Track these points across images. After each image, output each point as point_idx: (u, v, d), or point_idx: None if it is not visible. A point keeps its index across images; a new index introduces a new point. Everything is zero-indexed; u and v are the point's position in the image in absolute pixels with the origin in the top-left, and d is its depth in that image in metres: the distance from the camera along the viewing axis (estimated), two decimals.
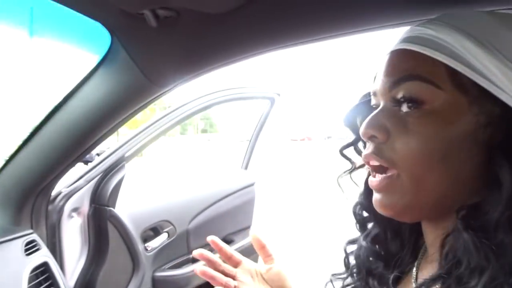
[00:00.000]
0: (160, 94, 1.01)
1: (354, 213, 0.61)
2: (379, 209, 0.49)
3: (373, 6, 0.70)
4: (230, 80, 2.22)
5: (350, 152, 0.61)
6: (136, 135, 1.69)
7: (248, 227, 2.27)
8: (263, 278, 0.71)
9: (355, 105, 0.58)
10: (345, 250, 0.63)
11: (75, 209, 1.52)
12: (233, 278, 0.68)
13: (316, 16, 0.74)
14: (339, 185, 0.61)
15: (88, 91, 1.01)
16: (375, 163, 0.47)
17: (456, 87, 0.43)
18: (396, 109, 0.46)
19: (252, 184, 2.32)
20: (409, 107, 0.45)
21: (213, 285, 0.67)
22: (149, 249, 1.74)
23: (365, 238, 0.60)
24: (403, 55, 0.46)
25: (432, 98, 0.43)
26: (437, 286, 0.43)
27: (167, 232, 1.82)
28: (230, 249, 0.73)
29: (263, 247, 0.73)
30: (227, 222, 2.14)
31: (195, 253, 0.69)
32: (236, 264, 0.72)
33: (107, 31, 0.85)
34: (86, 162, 1.55)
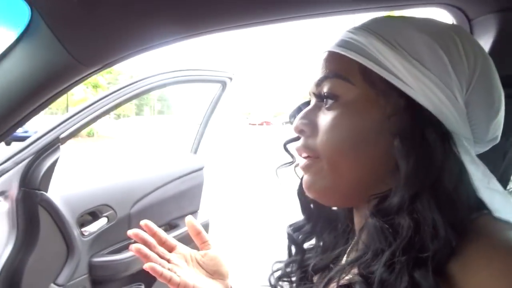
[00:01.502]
0: (89, 74, 0.94)
1: (299, 194, 0.64)
2: (306, 190, 0.54)
3: None
4: (185, 61, 2.16)
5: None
6: (74, 115, 1.59)
7: (194, 212, 2.26)
8: (198, 264, 0.71)
9: (300, 104, 0.63)
10: (288, 234, 0.66)
11: (2, 193, 1.42)
12: (168, 261, 0.67)
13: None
14: (277, 175, 0.65)
15: (6, 69, 0.92)
16: (304, 154, 0.53)
17: (366, 82, 0.48)
18: (322, 105, 0.52)
19: (200, 169, 2.30)
20: (329, 102, 0.50)
21: (146, 264, 0.63)
22: (86, 234, 1.68)
23: (290, 225, 0.66)
24: (329, 57, 0.52)
25: (346, 93, 0.49)
26: (352, 272, 0.46)
27: (106, 216, 1.75)
28: (165, 234, 0.72)
29: (198, 233, 0.73)
30: (173, 207, 2.10)
31: (130, 232, 0.67)
32: (170, 249, 0.71)
33: (25, 2, 0.78)
34: (8, 143, 1.45)
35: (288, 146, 0.63)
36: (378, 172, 0.48)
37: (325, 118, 0.50)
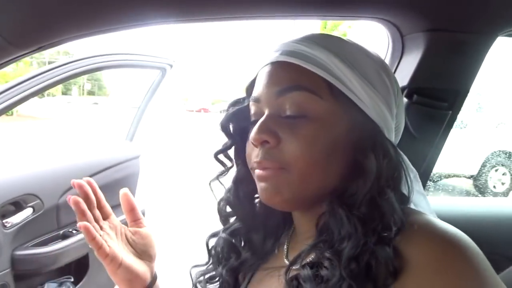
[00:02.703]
0: (19, 56, 0.87)
1: (219, 210, 0.66)
2: (265, 199, 0.54)
3: None
4: (121, 43, 2.06)
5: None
6: None
7: None
8: (128, 241, 0.69)
9: (231, 112, 0.63)
10: (207, 244, 0.68)
11: None
12: (100, 228, 0.65)
13: None
14: (211, 189, 0.64)
15: None
16: (267, 165, 0.52)
17: (333, 97, 0.51)
18: (282, 116, 0.53)
19: (136, 157, 2.22)
20: (295, 114, 0.51)
21: (81, 223, 0.61)
22: (8, 225, 1.55)
23: (224, 231, 0.66)
24: (286, 67, 0.53)
25: (316, 107, 0.51)
26: (312, 256, 0.51)
27: (32, 206, 1.63)
28: (104, 199, 0.69)
29: (132, 209, 0.71)
30: (106, 197, 1.99)
31: (75, 181, 0.65)
32: (105, 217, 0.69)
33: None
34: None
35: (219, 156, 0.64)
36: (341, 177, 0.52)
37: (294, 131, 0.51)
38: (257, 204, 0.65)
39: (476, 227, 1.15)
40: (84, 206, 0.63)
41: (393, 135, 0.57)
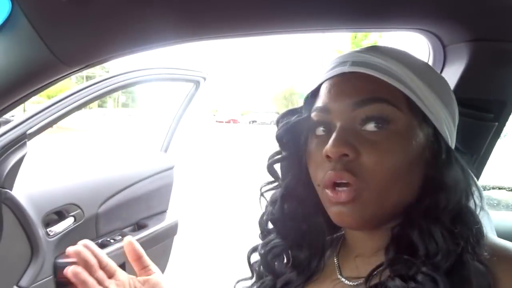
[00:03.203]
0: (69, 73, 0.92)
1: (261, 223, 0.64)
2: (342, 222, 0.52)
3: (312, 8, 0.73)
4: (155, 58, 2.13)
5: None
6: (43, 109, 1.53)
7: (163, 212, 2.23)
8: None
9: (291, 123, 0.59)
10: (248, 259, 0.65)
11: None
12: None
13: (243, 11, 0.74)
14: (264, 196, 0.63)
15: None
16: (344, 180, 0.49)
17: (410, 111, 0.51)
18: (358, 128, 0.51)
19: (171, 168, 2.27)
20: (376, 126, 0.50)
21: None
22: (51, 234, 1.62)
23: (262, 247, 0.64)
24: (362, 78, 0.52)
25: (397, 120, 0.50)
26: (387, 271, 0.49)
27: (73, 216, 1.70)
28: (106, 257, 0.64)
29: (139, 257, 0.66)
30: (141, 207, 2.07)
31: (70, 250, 0.60)
32: (110, 275, 0.64)
33: None
34: None
35: (273, 167, 0.62)
36: (415, 191, 0.52)
37: (373, 144, 0.49)
38: (301, 222, 0.62)
39: None
40: (84, 276, 0.58)
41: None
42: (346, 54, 0.56)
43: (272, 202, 0.62)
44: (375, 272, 0.50)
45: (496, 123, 0.88)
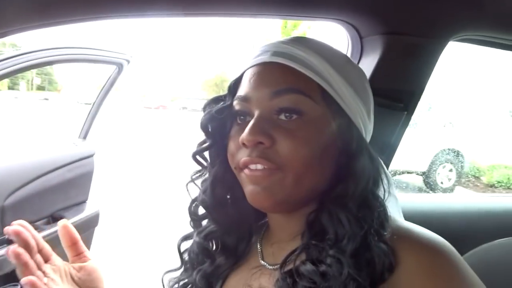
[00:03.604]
0: None
1: (190, 211, 0.65)
2: (255, 201, 0.54)
3: None
4: (74, 37, 1.95)
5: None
6: None
7: (83, 202, 2.09)
8: (73, 279, 0.62)
9: (213, 111, 0.60)
10: (178, 247, 0.66)
11: None
12: (43, 274, 0.58)
13: None
14: (187, 191, 0.63)
15: None
16: (258, 166, 0.52)
17: (325, 102, 0.53)
18: (275, 117, 0.53)
19: (90, 156, 2.13)
20: (290, 116, 0.52)
21: (20, 275, 0.55)
22: None
23: (198, 234, 0.64)
24: (281, 68, 0.54)
25: (311, 110, 0.52)
26: (303, 255, 0.52)
27: None
28: (42, 239, 0.60)
29: (75, 243, 0.63)
30: (58, 198, 1.92)
31: (10, 229, 0.56)
32: (46, 259, 0.60)
33: None
34: None
35: (197, 156, 0.62)
36: (328, 178, 0.55)
37: (288, 132, 0.52)
38: (230, 205, 0.64)
39: (426, 222, 1.22)
40: (26, 257, 0.55)
41: (368, 139, 0.60)
42: (270, 44, 0.57)
43: (204, 189, 0.63)
44: (290, 258, 0.53)
45: (405, 112, 0.95)
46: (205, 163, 0.63)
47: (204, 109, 0.63)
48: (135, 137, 10.30)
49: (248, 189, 0.54)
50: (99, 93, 2.21)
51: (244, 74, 0.58)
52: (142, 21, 0.82)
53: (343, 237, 0.49)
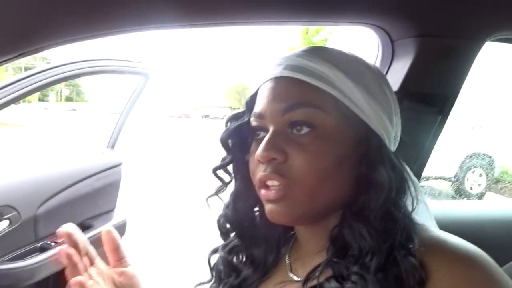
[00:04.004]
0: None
1: (219, 224, 0.65)
2: (274, 218, 0.54)
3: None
4: (102, 49, 2.00)
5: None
6: None
7: (110, 211, 2.13)
8: (115, 283, 0.63)
9: (231, 128, 0.61)
10: (208, 260, 0.66)
11: None
12: (89, 275, 0.59)
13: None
14: (208, 205, 0.63)
15: None
16: (274, 182, 0.52)
17: (339, 112, 0.52)
18: (288, 132, 0.52)
19: (118, 165, 2.17)
20: (302, 130, 0.51)
21: (68, 277, 0.56)
22: None
23: (223, 248, 0.65)
24: (291, 82, 0.53)
25: (323, 122, 0.51)
26: (329, 270, 0.50)
27: (8, 218, 1.56)
28: (88, 243, 0.62)
29: (117, 248, 0.64)
30: (86, 206, 1.96)
31: (62, 229, 0.58)
32: (91, 262, 0.62)
33: None
34: None
35: (217, 172, 0.63)
36: (350, 192, 0.53)
37: (301, 146, 0.51)
38: (257, 218, 0.64)
39: (460, 230, 1.17)
40: (77, 258, 0.57)
41: (393, 145, 0.56)
42: (284, 57, 0.56)
43: (227, 204, 0.63)
44: (314, 273, 0.52)
45: (440, 117, 0.91)
46: (226, 178, 0.64)
47: (226, 124, 0.63)
48: (160, 146, 10.46)
49: (266, 208, 0.54)
50: (127, 103, 2.25)
51: (259, 90, 0.58)
52: (159, 33, 0.83)
53: (367, 252, 0.48)
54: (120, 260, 0.65)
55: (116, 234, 0.64)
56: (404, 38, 0.86)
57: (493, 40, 0.88)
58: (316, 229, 0.57)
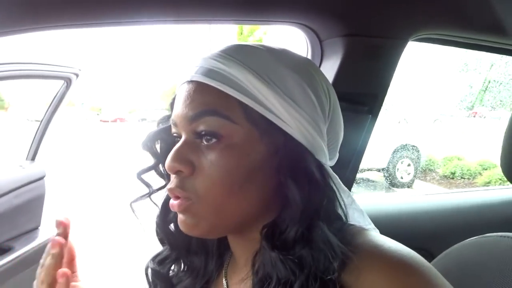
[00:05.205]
0: None
1: (156, 233, 0.61)
2: (184, 230, 0.50)
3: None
4: (16, 53, 1.81)
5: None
6: None
7: (35, 229, 1.94)
8: None
9: (154, 131, 0.58)
10: (145, 271, 0.62)
11: None
12: None
13: None
14: (132, 210, 0.58)
15: None
16: (179, 195, 0.48)
17: (248, 121, 0.47)
18: (198, 142, 0.48)
19: (40, 178, 1.98)
20: (208, 140, 0.47)
21: (51, 270, 0.51)
22: None
23: (153, 259, 0.62)
24: (201, 88, 0.48)
25: (230, 133, 0.47)
26: None
27: None
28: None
29: (73, 259, 0.58)
30: (5, 227, 1.76)
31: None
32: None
33: None
34: None
35: (142, 176, 0.58)
36: (264, 204, 0.49)
37: (207, 159, 0.47)
38: None
39: (396, 224, 1.22)
40: (65, 250, 0.54)
41: (325, 154, 0.51)
42: (199, 59, 0.52)
43: (158, 213, 0.60)
44: None
45: (370, 115, 0.93)
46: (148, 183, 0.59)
47: (157, 126, 0.59)
48: (92, 153, 9.88)
49: (178, 218, 0.51)
50: (47, 109, 2.06)
51: (177, 93, 0.53)
52: (132, 28, 0.79)
53: (285, 283, 0.45)
54: (72, 273, 0.58)
55: (74, 245, 0.58)
56: (332, 37, 0.86)
57: (416, 40, 0.92)
58: (243, 242, 0.54)
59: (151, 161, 0.59)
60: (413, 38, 0.88)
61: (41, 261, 0.53)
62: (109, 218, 4.84)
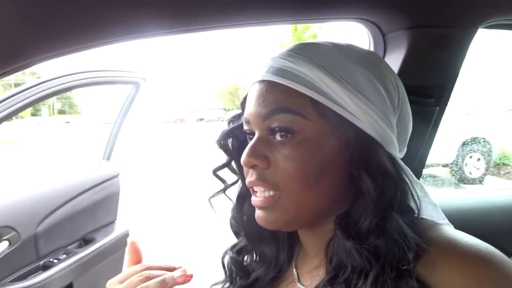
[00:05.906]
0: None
1: (230, 225, 0.66)
2: (263, 224, 0.53)
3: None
4: (90, 61, 1.99)
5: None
6: None
7: (111, 223, 2.11)
8: None
9: (227, 129, 0.61)
10: (222, 261, 0.66)
11: None
12: None
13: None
14: (211, 205, 0.63)
15: None
16: (260, 188, 0.52)
17: (320, 116, 0.49)
18: (271, 138, 0.51)
19: (115, 176, 2.15)
20: (282, 136, 0.50)
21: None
22: None
23: (231, 249, 0.65)
24: (272, 87, 0.51)
25: (302, 128, 0.49)
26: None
27: (7, 239, 1.54)
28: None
29: (139, 261, 0.62)
30: (87, 220, 1.94)
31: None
32: None
33: None
34: None
35: (218, 172, 0.63)
36: (337, 197, 0.51)
37: (282, 153, 0.50)
38: None
39: (467, 220, 1.16)
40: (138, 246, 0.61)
41: (396, 147, 0.52)
42: (270, 58, 0.54)
43: (233, 206, 0.64)
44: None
45: (437, 108, 0.90)
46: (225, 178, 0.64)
47: (228, 124, 0.63)
48: (158, 152, 10.41)
49: (256, 213, 0.54)
50: (119, 113, 2.23)
51: (248, 92, 0.56)
52: (150, 41, 0.83)
53: (360, 271, 0.46)
54: None
55: (139, 246, 0.63)
56: (395, 30, 0.84)
57: (486, 27, 0.87)
58: (314, 236, 0.56)
59: (224, 158, 0.63)
60: (483, 25, 0.84)
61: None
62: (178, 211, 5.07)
